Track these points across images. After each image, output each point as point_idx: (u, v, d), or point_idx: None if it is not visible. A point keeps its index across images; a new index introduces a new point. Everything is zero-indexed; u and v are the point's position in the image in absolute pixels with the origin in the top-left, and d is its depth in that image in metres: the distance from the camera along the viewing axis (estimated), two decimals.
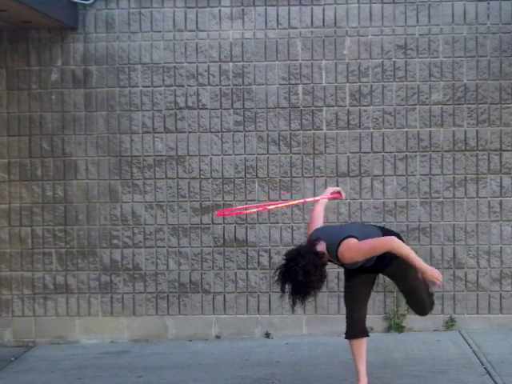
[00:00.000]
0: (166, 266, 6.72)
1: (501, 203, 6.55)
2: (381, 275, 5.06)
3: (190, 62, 6.69)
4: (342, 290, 6.59)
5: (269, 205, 5.73)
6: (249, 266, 6.67)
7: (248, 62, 6.65)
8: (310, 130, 6.62)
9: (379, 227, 4.85)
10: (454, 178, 6.55)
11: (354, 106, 6.60)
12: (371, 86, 6.59)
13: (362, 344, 4.74)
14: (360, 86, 6.60)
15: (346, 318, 4.78)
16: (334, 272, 6.57)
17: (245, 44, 6.65)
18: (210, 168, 6.68)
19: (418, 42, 6.56)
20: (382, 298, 6.57)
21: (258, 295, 6.68)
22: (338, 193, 5.07)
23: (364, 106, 6.60)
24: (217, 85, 6.68)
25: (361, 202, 6.60)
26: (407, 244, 4.78)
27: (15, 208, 6.78)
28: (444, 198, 6.56)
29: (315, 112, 6.62)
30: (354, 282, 4.74)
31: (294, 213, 6.62)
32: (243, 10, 6.64)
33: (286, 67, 6.63)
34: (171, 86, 6.70)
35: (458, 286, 6.56)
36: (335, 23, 6.60)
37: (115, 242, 6.74)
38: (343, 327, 6.69)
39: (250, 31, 6.65)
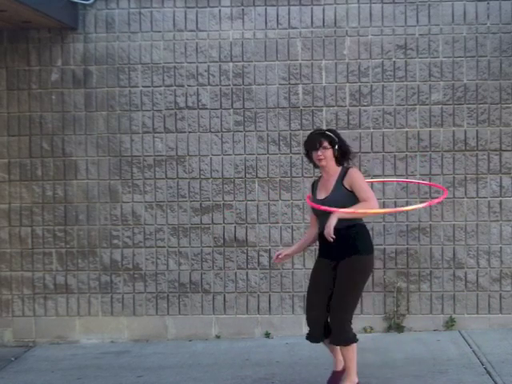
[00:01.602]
0: (166, 266, 6.72)
1: (501, 203, 6.56)
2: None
3: (190, 62, 6.69)
4: None
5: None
6: (249, 266, 6.67)
7: (248, 62, 6.65)
8: (310, 129, 6.59)
9: None
10: (453, 178, 6.56)
11: (354, 106, 6.60)
12: (371, 86, 6.59)
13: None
14: (360, 85, 6.60)
15: (346, 321, 4.74)
16: None
17: (245, 44, 6.65)
18: (209, 168, 6.69)
19: (418, 42, 6.56)
20: (381, 297, 6.58)
21: (258, 295, 6.68)
22: None
23: (364, 105, 6.60)
24: (217, 85, 6.68)
25: None
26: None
27: (15, 208, 6.78)
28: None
29: (315, 112, 6.62)
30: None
31: (294, 213, 6.62)
32: (243, 10, 6.64)
33: (286, 67, 6.63)
34: (171, 86, 6.70)
35: (457, 286, 6.56)
36: (335, 23, 6.60)
37: (115, 241, 6.74)
38: None
39: (250, 31, 6.65)
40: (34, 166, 6.77)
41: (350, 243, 4.69)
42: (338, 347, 4.78)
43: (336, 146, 4.78)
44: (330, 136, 4.80)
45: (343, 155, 4.85)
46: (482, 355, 5.72)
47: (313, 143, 4.80)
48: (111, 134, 6.74)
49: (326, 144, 4.76)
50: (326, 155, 4.76)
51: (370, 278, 6.57)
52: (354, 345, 4.72)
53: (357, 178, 4.72)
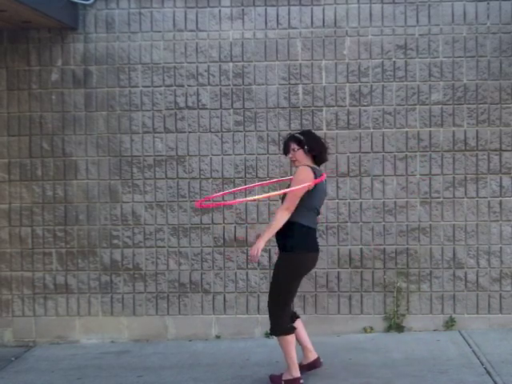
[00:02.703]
0: (166, 265, 6.72)
1: (501, 203, 6.56)
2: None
3: (190, 62, 6.70)
4: (342, 290, 6.63)
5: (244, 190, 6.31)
6: (249, 266, 6.68)
7: (248, 62, 6.65)
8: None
9: None
10: (453, 178, 6.56)
11: (354, 106, 6.60)
12: (371, 86, 6.59)
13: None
14: (360, 86, 6.60)
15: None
16: (334, 272, 6.58)
17: (245, 44, 6.65)
18: (209, 168, 6.69)
19: (417, 42, 6.56)
20: (381, 298, 6.58)
21: (258, 295, 6.68)
22: None
23: (364, 106, 6.60)
24: (217, 85, 6.68)
25: (361, 202, 6.61)
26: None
27: (15, 208, 6.78)
28: (444, 197, 6.56)
29: (315, 112, 6.62)
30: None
31: None
32: (243, 10, 6.65)
33: (285, 67, 6.63)
34: (171, 86, 6.70)
35: (457, 285, 6.56)
36: (335, 23, 6.60)
37: (115, 241, 6.74)
38: (343, 327, 6.73)
39: (250, 31, 6.65)
40: (34, 166, 6.77)
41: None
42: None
43: (306, 147, 5.12)
44: (297, 138, 5.15)
45: (315, 155, 5.18)
46: (481, 355, 5.72)
47: (285, 148, 5.23)
48: (111, 134, 6.75)
49: (294, 146, 5.16)
50: (297, 156, 5.14)
51: (371, 278, 6.59)
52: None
53: (293, 180, 5.07)
